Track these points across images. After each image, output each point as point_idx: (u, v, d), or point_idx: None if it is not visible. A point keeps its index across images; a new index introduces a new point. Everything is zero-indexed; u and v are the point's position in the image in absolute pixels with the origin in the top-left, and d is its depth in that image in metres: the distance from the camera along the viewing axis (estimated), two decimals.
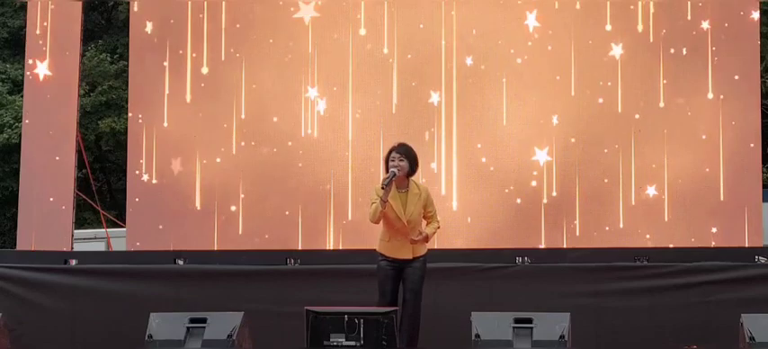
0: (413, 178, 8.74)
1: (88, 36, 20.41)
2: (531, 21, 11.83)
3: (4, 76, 23.81)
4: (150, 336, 8.51)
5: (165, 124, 12.03)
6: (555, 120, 11.78)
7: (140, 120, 12.05)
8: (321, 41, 11.98)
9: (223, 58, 12.04)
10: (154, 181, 11.97)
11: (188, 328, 8.52)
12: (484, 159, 11.81)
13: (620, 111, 11.78)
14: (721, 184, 11.62)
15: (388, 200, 8.47)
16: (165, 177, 11.96)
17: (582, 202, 11.71)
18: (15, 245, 12.53)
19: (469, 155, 11.82)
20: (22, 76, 13.29)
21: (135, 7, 12.22)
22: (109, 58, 23.85)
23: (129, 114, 12.27)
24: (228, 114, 11.99)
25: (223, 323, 8.53)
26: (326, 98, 11.93)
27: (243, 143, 11.98)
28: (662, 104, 11.74)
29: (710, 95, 11.69)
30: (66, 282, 10.24)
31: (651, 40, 11.77)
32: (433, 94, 11.85)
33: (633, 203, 11.66)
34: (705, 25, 11.73)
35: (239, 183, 11.91)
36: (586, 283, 9.87)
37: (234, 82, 12.00)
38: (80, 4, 12.23)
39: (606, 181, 11.71)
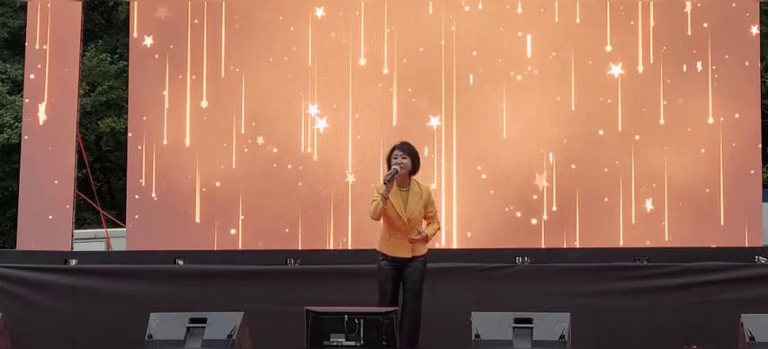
0: (414, 177, 8.74)
1: (88, 36, 20.41)
2: (529, 45, 11.81)
3: (4, 76, 23.84)
4: (150, 336, 8.50)
5: (165, 142, 12.00)
6: (555, 139, 11.76)
7: (140, 148, 12.00)
8: (322, 58, 11.95)
9: (223, 75, 12.00)
10: (153, 195, 11.93)
11: (188, 328, 8.51)
12: (484, 176, 11.78)
13: (620, 129, 11.76)
14: (721, 190, 11.60)
15: (389, 197, 8.47)
16: (165, 197, 11.92)
17: (582, 220, 11.67)
18: (15, 245, 12.53)
19: (469, 174, 11.79)
20: (22, 76, 13.28)
21: (134, 33, 12.17)
22: (109, 58, 23.88)
23: (130, 134, 12.21)
24: (228, 132, 11.95)
25: (223, 323, 8.53)
26: (327, 117, 11.90)
27: (245, 149, 11.93)
28: (662, 121, 11.71)
29: (711, 120, 11.65)
30: (66, 282, 10.23)
31: (651, 57, 11.72)
32: (432, 119, 11.82)
33: (634, 222, 11.64)
34: (705, 41, 11.69)
35: (239, 202, 11.88)
36: (586, 283, 9.86)
37: (233, 99, 11.96)
38: (80, 4, 12.23)
39: (606, 199, 11.67)
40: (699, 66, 11.69)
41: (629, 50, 11.80)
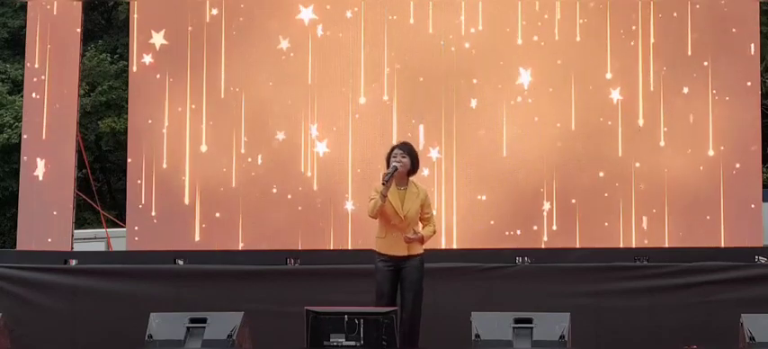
0: (412, 178, 8.75)
1: (88, 36, 20.41)
2: (526, 77, 11.76)
3: (4, 76, 23.85)
4: (150, 336, 8.50)
5: (164, 166, 11.96)
6: (556, 164, 11.69)
7: (140, 182, 11.91)
8: (322, 80, 11.88)
9: (223, 96, 11.96)
10: (153, 213, 11.86)
11: (188, 328, 8.52)
12: (484, 197, 11.71)
13: (620, 155, 11.69)
14: (721, 191, 11.58)
15: (387, 195, 8.49)
16: (164, 222, 11.84)
17: (582, 241, 11.63)
18: (15, 245, 12.53)
19: (469, 200, 11.73)
20: (22, 76, 13.28)
21: (134, 67, 12.08)
22: (109, 58, 23.88)
23: (129, 160, 12.12)
24: (228, 156, 11.89)
25: (223, 323, 8.53)
26: (327, 140, 11.84)
27: (248, 160, 11.87)
28: (662, 144, 11.66)
29: (711, 152, 11.59)
30: (66, 282, 10.23)
31: (652, 78, 11.64)
32: (431, 151, 11.76)
33: (634, 244, 11.56)
34: (705, 63, 11.63)
35: (239, 228, 11.84)
36: (586, 283, 9.86)
37: (233, 120, 11.91)
38: (80, 4, 12.22)
39: (606, 224, 11.60)
40: (699, 87, 11.64)
41: (629, 72, 11.69)
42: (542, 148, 11.74)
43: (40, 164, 11.89)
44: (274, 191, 11.86)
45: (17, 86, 22.28)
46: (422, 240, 8.69)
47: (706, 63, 11.67)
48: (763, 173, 13.19)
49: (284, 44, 11.94)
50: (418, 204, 8.68)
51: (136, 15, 12.15)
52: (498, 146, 11.78)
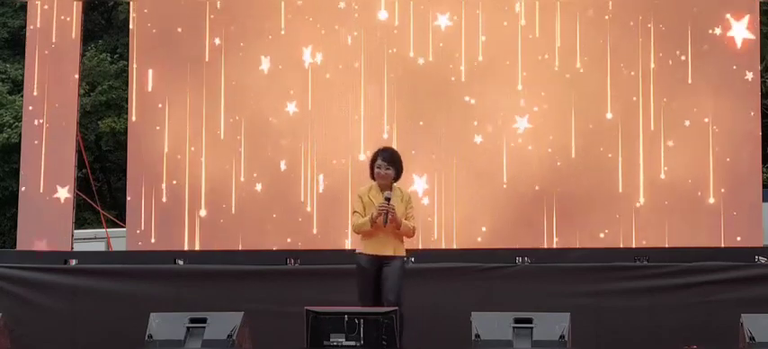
0: (397, 184, 8.82)
1: (88, 36, 20.42)
2: (523, 123, 11.75)
3: (4, 76, 23.87)
4: (150, 336, 8.50)
5: (164, 199, 11.94)
6: (556, 191, 11.67)
7: (139, 231, 11.89)
8: (321, 110, 11.88)
9: (222, 131, 11.96)
10: (152, 240, 11.85)
11: (188, 328, 8.51)
12: (484, 228, 11.70)
13: (621, 191, 11.63)
14: (722, 192, 11.59)
15: (372, 199, 8.65)
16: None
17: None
18: (15, 245, 12.53)
19: (467, 236, 11.73)
20: (22, 75, 13.28)
21: (133, 117, 12.09)
22: (109, 58, 23.90)
23: (129, 198, 12.11)
24: (228, 189, 11.89)
25: (223, 323, 8.53)
26: (323, 174, 11.83)
27: (245, 193, 11.88)
28: (663, 176, 11.63)
29: (712, 199, 11.54)
30: (66, 282, 10.24)
31: (652, 109, 11.62)
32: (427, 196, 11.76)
33: (634, 246, 11.57)
34: (705, 91, 11.60)
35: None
36: (586, 283, 9.86)
37: (232, 154, 11.92)
38: (80, 4, 12.23)
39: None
40: (704, 91, 11.61)
41: (629, 103, 11.66)
42: (543, 182, 11.69)
43: (41, 163, 11.91)
44: (273, 240, 11.78)
45: (17, 86, 22.30)
46: (399, 225, 8.63)
47: (705, 92, 11.64)
48: (763, 173, 13.18)
49: (291, 108, 11.93)
50: (402, 207, 8.75)
51: (135, 65, 12.11)
52: (498, 183, 11.73)
